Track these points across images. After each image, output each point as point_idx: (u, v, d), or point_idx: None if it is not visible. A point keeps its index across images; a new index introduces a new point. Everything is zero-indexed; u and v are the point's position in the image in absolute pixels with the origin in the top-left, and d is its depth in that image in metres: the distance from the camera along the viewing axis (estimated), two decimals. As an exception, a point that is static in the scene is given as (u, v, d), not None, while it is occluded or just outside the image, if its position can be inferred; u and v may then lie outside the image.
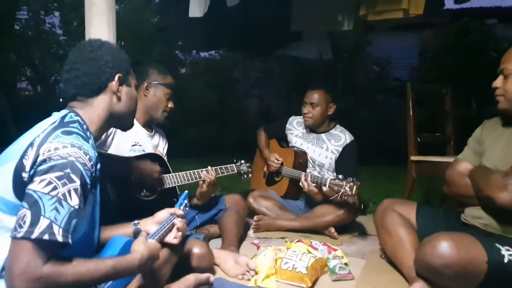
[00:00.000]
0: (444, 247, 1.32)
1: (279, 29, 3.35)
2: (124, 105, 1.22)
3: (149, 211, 1.43)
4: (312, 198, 2.28)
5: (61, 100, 1.23)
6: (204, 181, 1.95)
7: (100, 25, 1.91)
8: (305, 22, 3.22)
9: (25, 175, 0.97)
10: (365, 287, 1.59)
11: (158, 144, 2.04)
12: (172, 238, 1.32)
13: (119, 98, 1.20)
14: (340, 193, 2.00)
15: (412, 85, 2.76)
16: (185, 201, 1.48)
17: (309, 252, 1.82)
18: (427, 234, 1.46)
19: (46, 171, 0.94)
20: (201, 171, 1.96)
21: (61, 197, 0.93)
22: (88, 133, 1.13)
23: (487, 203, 1.45)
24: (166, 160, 1.95)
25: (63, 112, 1.14)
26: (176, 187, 1.91)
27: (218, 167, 2.05)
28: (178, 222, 1.34)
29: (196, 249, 1.55)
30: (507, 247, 1.33)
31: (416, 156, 2.59)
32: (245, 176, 2.21)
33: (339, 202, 2.21)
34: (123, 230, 1.31)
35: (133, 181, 1.69)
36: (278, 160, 2.55)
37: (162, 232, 1.29)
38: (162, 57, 6.42)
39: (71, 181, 0.95)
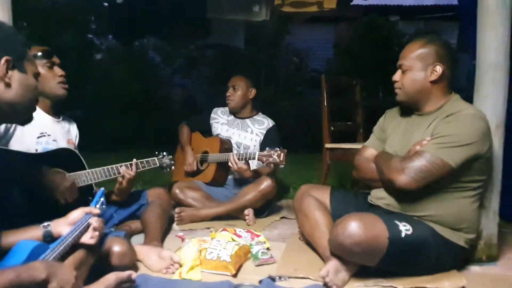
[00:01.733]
0: (353, 227, 1.45)
1: (196, 16, 3.33)
2: (16, 93, 1.08)
3: (62, 212, 1.34)
4: (238, 182, 2.35)
5: None
6: (123, 177, 1.86)
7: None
8: (220, 10, 3.23)
9: None
10: (286, 269, 1.67)
11: (69, 131, 1.89)
12: (89, 238, 1.26)
13: (7, 85, 1.07)
14: (269, 161, 2.13)
15: (326, 77, 2.94)
16: (101, 199, 1.42)
17: (233, 240, 1.87)
18: (339, 216, 1.58)
19: None
20: (120, 166, 1.87)
21: None
22: None
23: (388, 185, 1.61)
24: (78, 152, 1.82)
25: None
26: (93, 184, 1.81)
27: (138, 161, 1.95)
28: (94, 222, 1.28)
29: (116, 247, 1.50)
30: (404, 223, 1.50)
31: (330, 144, 2.78)
32: (168, 169, 2.16)
33: (257, 180, 2.37)
34: (31, 234, 1.20)
35: (43, 180, 1.56)
36: (192, 165, 2.63)
37: (77, 232, 1.23)
38: (73, 41, 5.89)
39: None
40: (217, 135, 2.70)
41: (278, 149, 2.16)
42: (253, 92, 2.70)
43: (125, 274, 1.33)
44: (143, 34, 4.66)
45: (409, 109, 1.73)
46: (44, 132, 1.72)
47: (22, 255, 1.06)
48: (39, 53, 1.73)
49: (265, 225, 2.37)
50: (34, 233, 1.22)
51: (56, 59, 1.78)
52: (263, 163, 2.22)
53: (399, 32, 7.06)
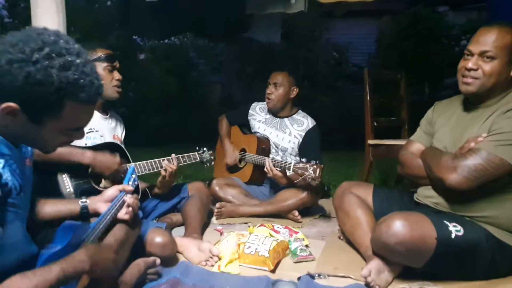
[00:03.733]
0: (397, 226, 1.38)
1: (233, 13, 3.33)
2: (19, 134, 0.95)
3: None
4: (276, 182, 2.32)
5: None
6: (165, 170, 1.91)
7: (48, 7, 1.82)
8: (258, 5, 3.19)
9: None
10: (325, 268, 1.64)
11: (115, 127, 1.95)
12: (124, 214, 1.30)
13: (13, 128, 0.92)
14: (304, 176, 2.04)
15: (369, 71, 2.84)
16: (133, 176, 1.47)
17: (271, 235, 1.86)
18: (383, 214, 1.51)
19: None
20: (163, 160, 1.92)
21: None
22: None
23: (437, 183, 1.52)
24: (124, 147, 1.89)
25: None
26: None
27: (180, 155, 2.01)
28: (128, 199, 1.32)
29: (158, 238, 1.54)
30: (454, 224, 1.41)
31: (373, 140, 2.69)
32: (208, 164, 2.21)
33: (301, 185, 2.26)
34: (69, 206, 1.27)
35: (91, 172, 1.64)
36: (233, 159, 2.60)
37: (113, 210, 1.27)
38: (119, 42, 6.14)
39: None
40: (255, 133, 2.63)
41: (315, 162, 2.04)
42: (295, 91, 2.52)
43: (150, 259, 1.38)
44: (182, 31, 4.72)
45: (464, 101, 1.59)
46: (93, 128, 1.80)
47: (66, 237, 1.08)
48: (102, 56, 1.79)
49: (304, 222, 2.33)
50: (72, 206, 1.29)
51: (117, 64, 1.84)
52: (298, 175, 2.10)
53: (448, 23, 6.69)
